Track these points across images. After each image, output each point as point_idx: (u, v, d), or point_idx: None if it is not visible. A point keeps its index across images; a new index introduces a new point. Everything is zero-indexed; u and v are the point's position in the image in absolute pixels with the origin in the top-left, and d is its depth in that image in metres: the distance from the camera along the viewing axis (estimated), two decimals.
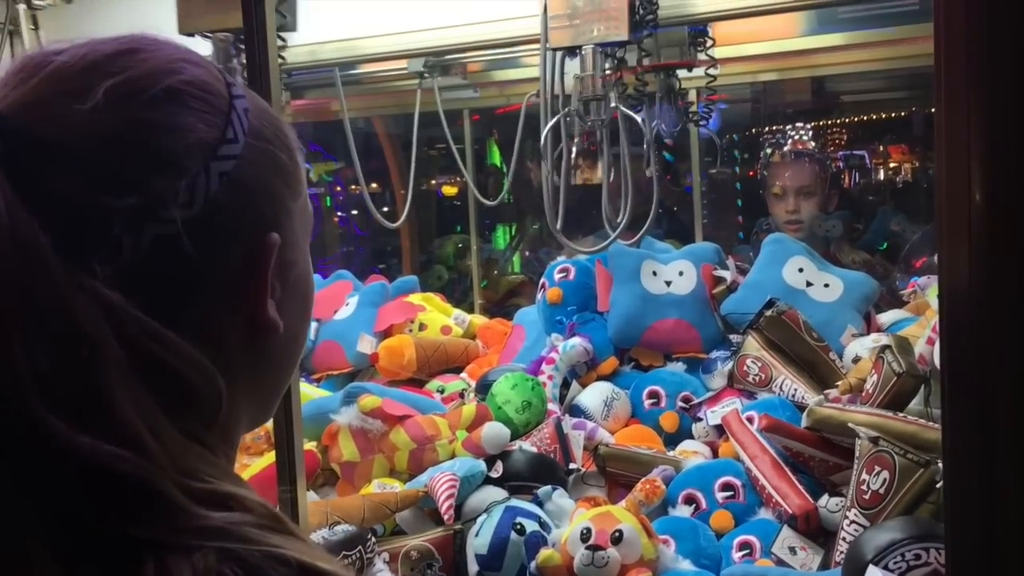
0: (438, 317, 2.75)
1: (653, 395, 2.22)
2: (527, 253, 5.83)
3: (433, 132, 3.75)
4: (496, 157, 5.53)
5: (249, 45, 1.42)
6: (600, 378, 2.33)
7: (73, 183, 0.54)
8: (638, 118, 2.27)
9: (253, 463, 2.33)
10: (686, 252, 2.44)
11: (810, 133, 5.58)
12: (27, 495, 0.50)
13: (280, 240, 0.63)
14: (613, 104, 2.21)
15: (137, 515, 0.51)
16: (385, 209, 4.12)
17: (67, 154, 0.55)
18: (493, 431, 1.96)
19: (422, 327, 2.70)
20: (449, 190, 5.76)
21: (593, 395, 2.22)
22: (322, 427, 2.16)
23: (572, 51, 2.26)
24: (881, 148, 6.11)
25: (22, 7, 2.43)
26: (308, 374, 2.72)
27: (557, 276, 2.47)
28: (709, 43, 2.50)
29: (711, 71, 2.58)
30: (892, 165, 6.20)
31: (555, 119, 2.23)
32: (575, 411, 2.21)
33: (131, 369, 0.53)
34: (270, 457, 2.15)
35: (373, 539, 1.73)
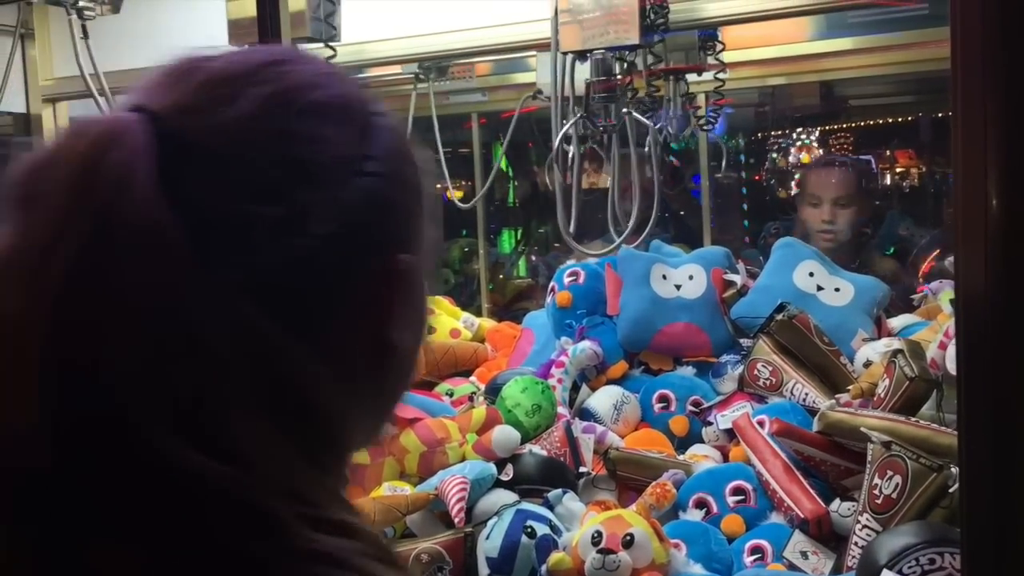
0: (447, 320, 2.75)
1: (663, 399, 2.22)
2: (533, 257, 5.83)
3: (440, 136, 3.76)
4: (502, 162, 5.53)
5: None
6: (610, 382, 2.33)
7: (220, 189, 0.54)
8: (648, 123, 2.27)
9: None
10: (696, 256, 2.44)
11: (815, 136, 5.58)
12: (135, 510, 0.49)
13: (411, 260, 0.62)
14: (624, 108, 2.21)
15: (247, 536, 0.50)
16: None
17: (217, 159, 0.54)
18: (503, 434, 1.96)
19: (431, 330, 2.71)
20: (455, 194, 5.75)
21: (603, 399, 2.22)
22: None
23: (582, 55, 2.27)
24: (888, 152, 6.11)
25: (73, 17, 2.44)
26: None
27: (567, 280, 2.47)
28: (719, 47, 2.50)
29: (720, 75, 2.58)
30: (899, 169, 6.19)
31: (570, 124, 2.23)
32: (585, 415, 2.21)
33: (253, 385, 0.52)
34: None
35: (384, 541, 1.72)
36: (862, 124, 5.69)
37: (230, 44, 2.35)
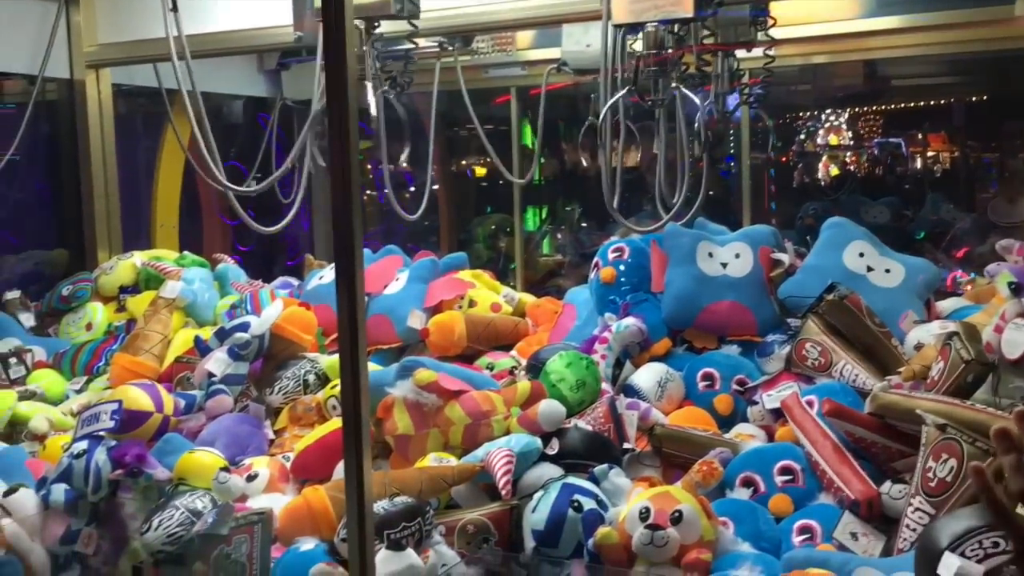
0: (488, 294, 2.74)
1: (707, 377, 2.20)
2: (559, 236, 5.81)
3: (476, 111, 3.73)
4: (529, 138, 5.50)
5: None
6: (653, 359, 2.31)
7: None
8: (697, 99, 2.25)
9: (306, 434, 2.35)
10: (743, 234, 2.41)
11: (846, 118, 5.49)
12: None
13: None
14: (673, 84, 2.19)
15: None
16: (434, 187, 4.12)
17: None
18: (550, 408, 1.96)
19: (472, 304, 2.70)
20: (479, 171, 5.75)
21: (647, 376, 2.21)
22: (375, 400, 2.16)
23: (634, 28, 2.24)
24: (927, 134, 6.02)
25: None
26: None
27: (611, 256, 2.46)
28: (770, 23, 2.46)
29: (769, 52, 2.55)
30: (938, 152, 6.11)
31: (617, 96, 2.20)
32: (628, 391, 2.20)
33: None
34: (324, 428, 2.17)
35: (431, 511, 1.73)
36: (904, 105, 5.60)
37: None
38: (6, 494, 2.06)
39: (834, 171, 6.35)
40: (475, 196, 5.87)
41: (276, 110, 4.08)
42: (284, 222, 2.84)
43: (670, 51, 2.17)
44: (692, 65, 2.25)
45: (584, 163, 4.13)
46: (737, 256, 2.35)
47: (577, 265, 5.21)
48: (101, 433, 2.19)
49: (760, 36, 2.48)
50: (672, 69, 2.18)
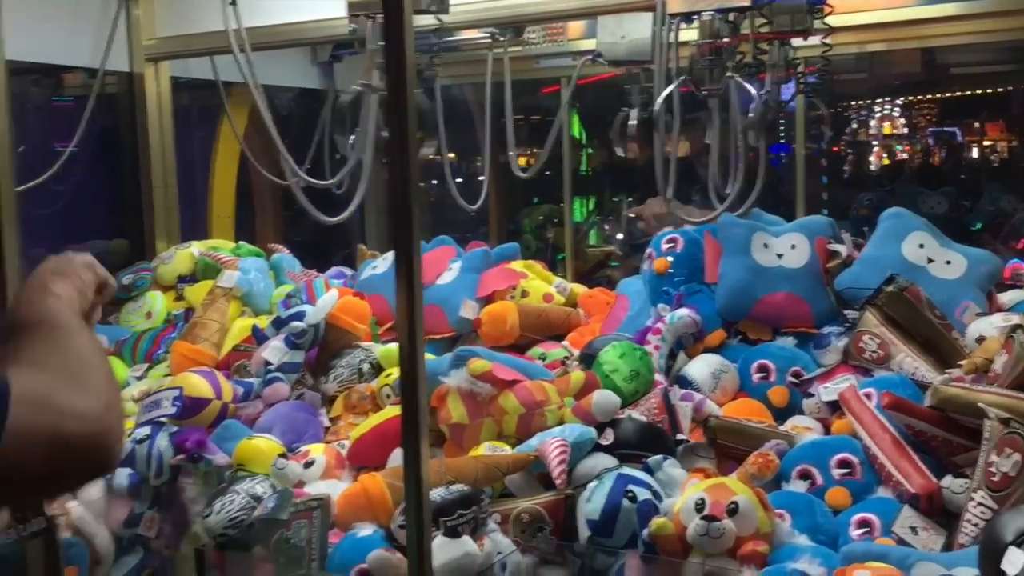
0: (540, 284, 2.75)
1: (762, 369, 2.19)
2: (606, 226, 5.79)
3: (524, 101, 3.73)
4: (576, 129, 5.48)
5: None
6: (706, 350, 2.30)
7: None
8: (753, 89, 2.23)
9: (360, 422, 2.38)
10: (799, 225, 2.38)
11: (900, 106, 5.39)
12: None
13: None
14: (728, 73, 2.17)
15: None
16: (481, 179, 4.14)
17: None
18: (604, 399, 1.96)
19: (524, 294, 2.71)
20: (521, 161, 5.73)
21: (701, 367, 2.20)
22: (430, 389, 2.18)
23: (687, 17, 2.23)
24: (985, 123, 5.90)
25: None
26: None
27: (665, 246, 2.45)
28: (827, 11, 2.43)
29: (826, 40, 2.51)
30: (995, 141, 5.98)
31: (673, 86, 2.19)
32: (682, 382, 2.19)
33: None
34: (379, 416, 2.20)
35: (486, 499, 1.74)
36: (962, 93, 5.50)
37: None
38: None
39: (887, 161, 6.25)
40: (521, 187, 5.88)
41: (329, 102, 4.11)
42: (348, 211, 2.86)
43: (726, 40, 2.15)
44: (748, 54, 2.22)
45: (621, 154, 4.11)
46: (793, 247, 2.32)
47: (627, 256, 5.20)
48: (162, 419, 2.24)
49: (816, 24, 2.45)
50: (728, 58, 2.16)
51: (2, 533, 1.58)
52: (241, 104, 3.85)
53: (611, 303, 2.68)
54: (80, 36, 3.26)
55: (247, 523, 1.79)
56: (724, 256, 2.36)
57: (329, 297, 2.57)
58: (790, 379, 2.17)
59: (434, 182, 5.32)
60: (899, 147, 6.14)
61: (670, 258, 2.43)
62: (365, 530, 1.73)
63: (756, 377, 2.19)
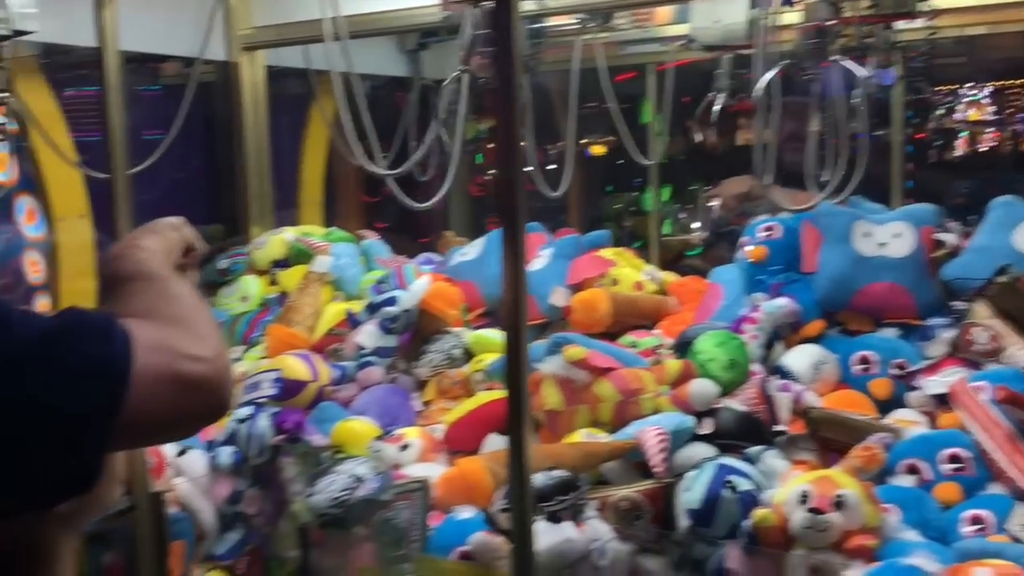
0: (631, 272, 2.73)
1: (864, 360, 2.14)
2: (681, 215, 5.70)
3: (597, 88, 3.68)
4: (649, 115, 5.40)
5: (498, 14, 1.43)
6: (804, 341, 2.26)
7: None
8: (859, 71, 2.16)
9: (452, 406, 2.40)
10: (903, 213, 2.32)
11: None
12: None
13: None
14: (833, 56, 2.11)
15: None
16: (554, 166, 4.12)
17: None
18: (703, 387, 1.94)
19: (614, 282, 2.69)
20: (597, 150, 5.70)
21: (800, 357, 2.16)
22: None
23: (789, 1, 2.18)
24: None
25: None
26: (500, 323, 2.76)
27: (761, 234, 2.40)
28: None
29: (932, 22, 2.43)
30: None
31: (775, 70, 2.14)
32: (780, 373, 2.16)
33: None
34: (473, 401, 2.21)
35: (586, 486, 1.74)
36: None
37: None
38: (179, 454, 2.18)
39: (983, 148, 6.03)
40: (600, 174, 5.84)
41: (415, 90, 4.15)
42: (435, 198, 2.87)
43: (831, 22, 2.09)
44: (853, 37, 2.16)
45: (703, 140, 4.04)
46: (897, 236, 2.26)
47: (711, 244, 5.12)
48: (262, 400, 2.30)
49: (921, 6, 2.37)
50: (832, 41, 2.10)
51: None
52: (331, 92, 3.90)
53: (703, 291, 2.64)
54: (178, 25, 3.34)
55: (350, 503, 1.82)
56: (824, 245, 2.31)
57: (422, 283, 2.60)
58: (893, 371, 2.11)
59: (529, 168, 5.28)
60: (988, 132, 5.92)
61: (767, 246, 2.38)
62: (465, 513, 1.74)
63: (857, 369, 2.14)
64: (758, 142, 2.30)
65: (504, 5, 1.42)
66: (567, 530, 1.61)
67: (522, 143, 3.14)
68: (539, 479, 1.70)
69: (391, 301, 2.57)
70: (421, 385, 2.52)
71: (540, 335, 2.68)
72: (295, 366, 2.36)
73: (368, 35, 3.44)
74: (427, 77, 4.21)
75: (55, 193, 3.12)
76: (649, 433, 1.83)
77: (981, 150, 6.06)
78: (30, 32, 2.53)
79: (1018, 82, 5.56)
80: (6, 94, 2.49)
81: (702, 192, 5.56)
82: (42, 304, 3.39)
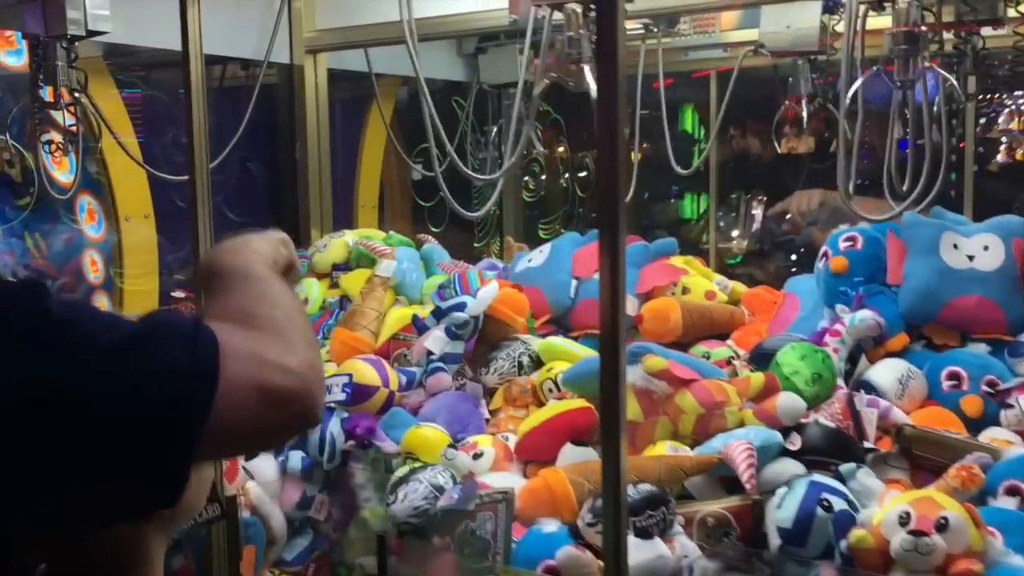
0: (701, 281, 2.68)
1: (953, 376, 2.07)
2: (722, 224, 5.62)
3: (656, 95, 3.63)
4: (689, 123, 5.33)
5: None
6: (888, 355, 2.19)
7: None
8: (952, 77, 2.10)
9: (520, 415, 2.37)
10: (992, 225, 2.24)
11: None
12: None
13: None
14: (925, 63, 2.05)
15: None
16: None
17: None
18: (790, 402, 1.88)
19: (685, 291, 2.65)
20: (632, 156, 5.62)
21: (885, 372, 2.10)
22: (595, 386, 2.14)
23: (879, 4, 2.12)
24: None
25: None
26: (566, 331, 2.72)
27: (843, 245, 2.34)
28: None
29: (1020, 30, 2.36)
30: None
31: (863, 78, 2.09)
32: (865, 387, 2.09)
33: None
34: (548, 410, 2.17)
35: (673, 501, 1.70)
36: None
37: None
38: (249, 458, 2.17)
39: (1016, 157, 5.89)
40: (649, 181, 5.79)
41: (472, 94, 4.13)
42: (487, 207, 2.86)
43: (923, 27, 2.03)
44: (946, 43, 2.10)
45: (782, 150, 3.96)
46: (986, 248, 2.19)
47: (766, 255, 5.04)
48: (332, 404, 2.27)
49: (1012, 12, 2.31)
50: (924, 47, 2.04)
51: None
52: (388, 96, 3.90)
53: (777, 302, 2.59)
54: (240, 28, 3.34)
55: (432, 512, 1.79)
56: (909, 256, 2.24)
57: (490, 289, 2.56)
58: (984, 388, 2.04)
59: (581, 174, 5.26)
60: None
61: (847, 257, 2.32)
62: (550, 526, 1.70)
63: (947, 385, 2.07)
64: (842, 151, 2.25)
65: (610, 6, 1.39)
66: (659, 547, 1.56)
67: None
68: (628, 493, 1.65)
69: (459, 307, 2.54)
70: (489, 393, 2.48)
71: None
72: (365, 371, 2.33)
73: (436, 38, 3.43)
74: (484, 81, 4.20)
75: (121, 193, 3.13)
76: (737, 448, 1.78)
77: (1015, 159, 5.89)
78: (104, 32, 2.55)
79: None
80: (79, 94, 2.50)
81: (743, 200, 5.49)
82: (101, 303, 3.42)
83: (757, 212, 5.27)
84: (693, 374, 2.02)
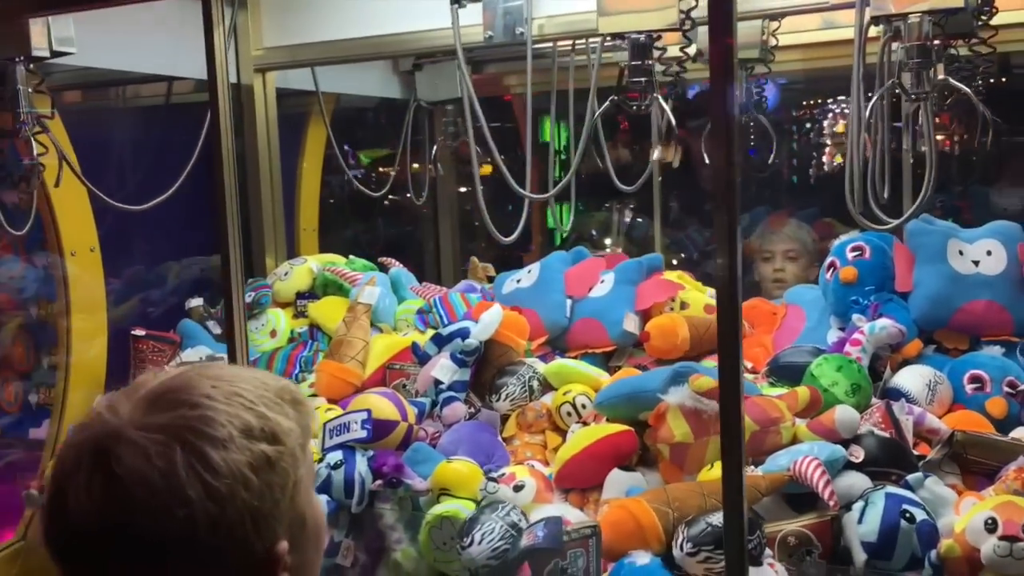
0: (698, 295, 2.68)
1: (976, 379, 2.13)
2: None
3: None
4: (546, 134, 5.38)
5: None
6: (905, 361, 2.24)
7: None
8: (969, 90, 2.17)
9: (536, 441, 2.31)
10: (992, 230, 2.33)
11: None
12: None
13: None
14: (941, 76, 2.11)
15: None
16: None
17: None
18: (847, 415, 1.89)
19: (683, 306, 2.64)
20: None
21: (913, 378, 2.14)
22: (635, 407, 2.11)
23: (888, 20, 2.17)
24: None
25: None
26: (562, 352, 2.67)
27: (851, 255, 2.38)
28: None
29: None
30: None
31: (882, 90, 2.13)
32: (894, 394, 2.13)
33: None
34: (586, 436, 2.11)
35: (763, 522, 1.67)
36: None
37: None
38: None
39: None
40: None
41: (410, 112, 4.03)
42: (519, 230, 2.69)
43: (936, 41, 2.09)
44: (969, 58, 2.17)
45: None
46: (989, 253, 2.27)
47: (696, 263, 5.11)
48: (352, 443, 2.15)
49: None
50: (939, 60, 2.10)
51: None
52: (321, 114, 3.76)
53: (775, 313, 2.61)
54: (185, 46, 3.15)
55: (511, 553, 1.70)
56: (918, 264, 2.30)
57: (495, 312, 2.48)
58: (1006, 389, 2.11)
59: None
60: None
61: (856, 267, 2.36)
62: (643, 558, 1.64)
63: (969, 388, 2.13)
64: (849, 165, 2.28)
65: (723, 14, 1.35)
66: (767, 571, 1.53)
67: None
68: (721, 519, 1.61)
69: (462, 332, 2.45)
70: (501, 420, 2.40)
71: (606, 363, 2.61)
72: (383, 405, 2.21)
73: (390, 57, 3.34)
74: (421, 99, 4.10)
75: (65, 226, 2.89)
76: (809, 465, 1.77)
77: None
78: (69, 53, 2.34)
79: None
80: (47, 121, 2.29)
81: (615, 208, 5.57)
82: (19, 344, 3.17)
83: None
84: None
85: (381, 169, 4.67)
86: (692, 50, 2.46)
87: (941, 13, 2.08)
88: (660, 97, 2.31)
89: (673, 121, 2.39)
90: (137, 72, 3.12)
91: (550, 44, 3.02)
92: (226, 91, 1.76)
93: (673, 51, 2.91)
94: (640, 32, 2.28)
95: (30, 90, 2.25)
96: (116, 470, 0.81)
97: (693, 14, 2.18)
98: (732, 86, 1.37)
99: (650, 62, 2.30)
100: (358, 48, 3.10)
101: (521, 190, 2.27)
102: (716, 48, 1.37)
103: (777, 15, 2.66)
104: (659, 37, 2.31)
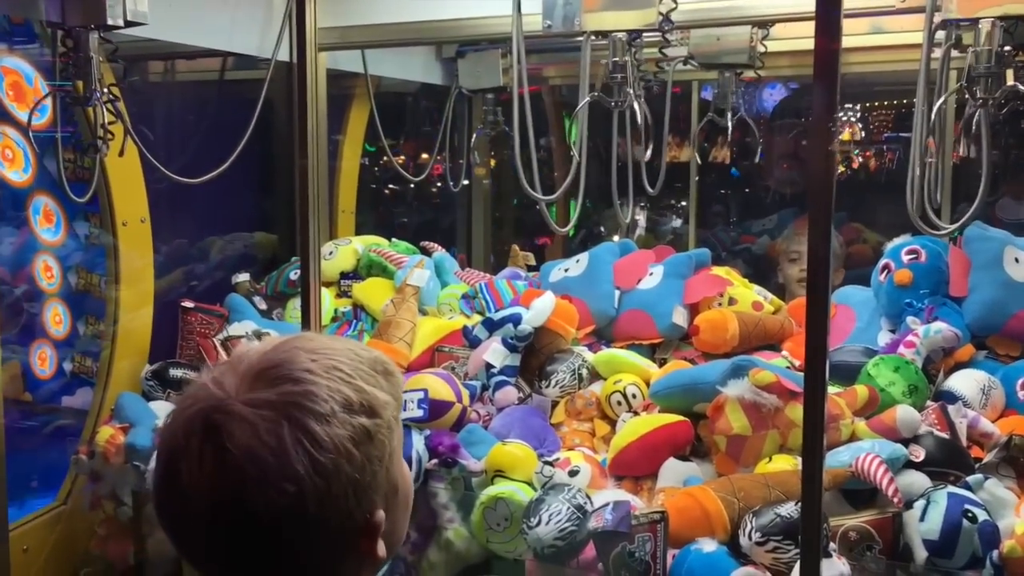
0: (747, 292, 2.69)
1: None
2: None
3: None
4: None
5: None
6: (958, 365, 2.26)
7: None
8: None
9: (584, 428, 2.33)
10: None
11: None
12: None
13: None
14: (1011, 82, 2.12)
15: None
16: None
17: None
18: (908, 415, 1.91)
19: (732, 301, 2.65)
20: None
21: (967, 382, 2.15)
22: (692, 398, 2.13)
23: (959, 24, 2.18)
24: None
25: None
26: (608, 342, 2.69)
27: (906, 257, 2.39)
28: None
29: None
30: None
31: (948, 93, 2.14)
32: (947, 397, 2.14)
33: None
34: (642, 424, 2.13)
35: (827, 516, 1.69)
36: None
37: None
38: None
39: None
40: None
41: (451, 98, 4.04)
42: (572, 222, 2.75)
43: (1007, 50, 2.10)
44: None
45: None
46: None
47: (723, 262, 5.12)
48: (409, 422, 2.17)
49: None
50: (1007, 66, 2.11)
51: None
52: (364, 97, 3.78)
53: (831, 313, 2.62)
54: (245, 24, 3.17)
55: (578, 535, 1.72)
56: (974, 269, 2.31)
57: (547, 300, 2.50)
58: None
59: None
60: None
61: (911, 270, 2.37)
62: (709, 545, 1.66)
63: (1022, 394, 2.15)
64: (911, 169, 2.29)
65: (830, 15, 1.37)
66: (837, 565, 1.55)
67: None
68: (787, 511, 1.64)
69: (515, 318, 2.47)
70: (551, 406, 2.42)
71: (652, 354, 2.63)
72: (439, 386, 2.23)
73: (444, 42, 3.36)
74: (463, 86, 4.11)
75: (119, 198, 2.91)
76: (870, 462, 1.78)
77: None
78: (142, 24, 2.35)
79: None
80: (114, 89, 2.31)
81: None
82: (55, 312, 3.18)
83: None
84: (798, 386, 2.02)
85: (423, 156, 4.68)
86: (671, 51, 2.49)
87: (1013, 19, 2.09)
88: (634, 95, 2.32)
89: (650, 119, 2.42)
90: (196, 47, 3.14)
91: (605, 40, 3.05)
92: (315, 74, 1.79)
93: (681, 50, 2.96)
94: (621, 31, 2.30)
95: (101, 59, 2.26)
96: (227, 444, 0.82)
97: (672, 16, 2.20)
98: (835, 88, 1.39)
99: (627, 59, 2.31)
100: (411, 32, 3.12)
101: (529, 188, 2.28)
102: (821, 50, 1.38)
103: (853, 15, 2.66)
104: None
